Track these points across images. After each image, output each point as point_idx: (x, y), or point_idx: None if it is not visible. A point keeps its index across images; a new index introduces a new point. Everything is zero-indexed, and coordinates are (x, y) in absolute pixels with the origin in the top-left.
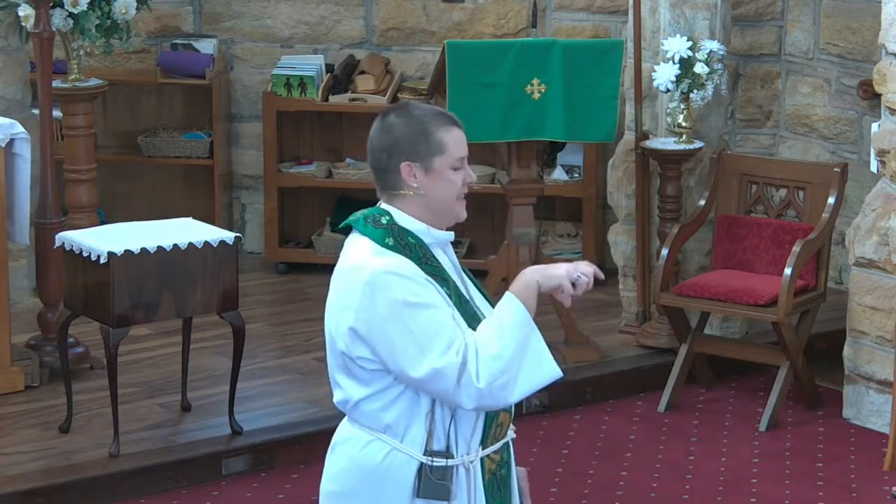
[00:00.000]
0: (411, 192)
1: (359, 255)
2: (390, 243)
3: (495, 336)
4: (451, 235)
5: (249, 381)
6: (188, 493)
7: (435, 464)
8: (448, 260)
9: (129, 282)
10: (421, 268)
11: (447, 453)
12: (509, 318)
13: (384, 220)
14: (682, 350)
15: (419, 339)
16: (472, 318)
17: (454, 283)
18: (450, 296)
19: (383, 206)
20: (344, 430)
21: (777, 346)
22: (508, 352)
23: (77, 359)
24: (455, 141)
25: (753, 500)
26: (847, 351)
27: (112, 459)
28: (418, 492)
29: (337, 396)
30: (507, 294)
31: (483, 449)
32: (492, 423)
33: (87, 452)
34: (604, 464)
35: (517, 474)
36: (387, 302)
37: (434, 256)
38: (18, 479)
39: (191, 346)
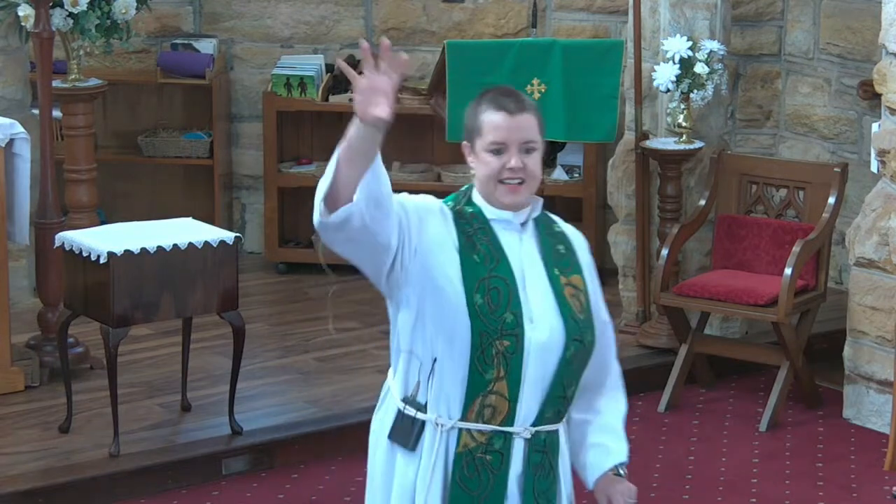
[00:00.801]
0: (471, 171)
1: None
2: (450, 204)
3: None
4: (509, 218)
5: (249, 381)
6: (188, 493)
7: (407, 411)
8: (518, 242)
9: (129, 282)
10: (465, 231)
11: (424, 407)
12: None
13: (463, 189)
14: (682, 350)
15: None
16: (495, 295)
17: (503, 261)
18: (477, 264)
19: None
20: None
21: (777, 346)
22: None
23: (77, 359)
24: (493, 124)
25: (753, 500)
26: (847, 351)
27: (112, 459)
28: (390, 434)
29: None
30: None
31: (461, 421)
32: (475, 396)
33: (87, 452)
34: None
35: (621, 491)
36: None
37: (491, 230)
38: (18, 479)
39: (191, 346)
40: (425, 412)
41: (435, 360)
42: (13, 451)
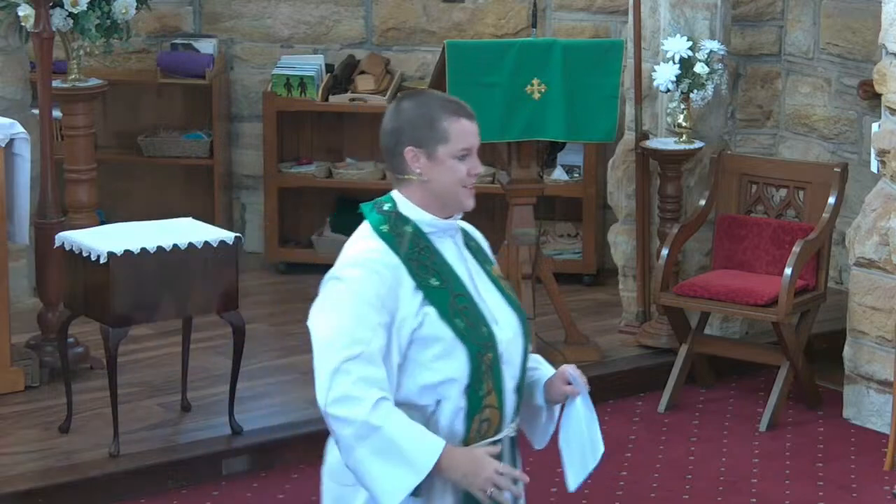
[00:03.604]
0: (415, 178)
1: (353, 240)
2: (384, 230)
3: (405, 420)
4: (452, 224)
5: (249, 381)
6: (188, 493)
7: None
8: (455, 249)
9: (129, 282)
10: (413, 258)
11: None
12: (425, 439)
13: (386, 207)
14: (682, 350)
15: (329, 316)
16: (468, 313)
17: (453, 275)
18: (438, 290)
19: (392, 192)
20: None
21: (777, 346)
22: (394, 433)
23: (77, 359)
24: (460, 131)
25: (753, 500)
26: (847, 351)
27: (112, 459)
28: None
29: None
30: (442, 443)
31: (464, 445)
32: (474, 417)
33: (87, 452)
34: (604, 464)
35: (561, 371)
36: (331, 280)
37: (432, 246)
38: (18, 479)
39: (191, 346)
40: None
41: (439, 401)
42: (13, 451)
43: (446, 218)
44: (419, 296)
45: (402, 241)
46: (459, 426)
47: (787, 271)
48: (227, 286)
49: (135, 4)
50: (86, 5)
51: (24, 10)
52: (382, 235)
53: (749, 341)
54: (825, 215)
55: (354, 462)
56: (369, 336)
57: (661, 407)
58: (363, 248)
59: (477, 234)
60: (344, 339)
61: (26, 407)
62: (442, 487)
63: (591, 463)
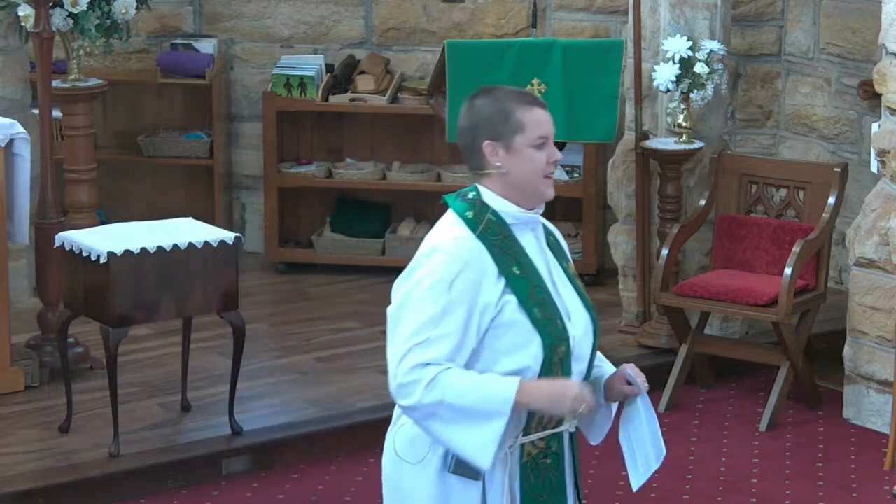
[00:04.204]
0: (495, 171)
1: (438, 227)
2: (469, 216)
3: (464, 382)
4: (534, 217)
5: (249, 381)
6: (188, 493)
7: None
8: (535, 242)
9: (129, 282)
10: (496, 244)
11: None
12: (493, 388)
13: (470, 195)
14: (682, 350)
15: (407, 302)
16: (546, 305)
17: (532, 266)
18: (519, 278)
19: (475, 184)
20: None
21: (777, 346)
22: (454, 401)
23: (77, 359)
24: (535, 120)
25: (753, 500)
26: (847, 351)
27: (112, 459)
28: (452, 467)
29: None
30: (517, 380)
31: (524, 436)
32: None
33: (87, 452)
34: (604, 464)
35: (621, 371)
36: (414, 266)
37: (514, 236)
38: (18, 479)
39: (191, 346)
40: None
41: None
42: (13, 451)
43: (528, 210)
44: (501, 283)
45: (487, 227)
46: (523, 414)
47: (787, 271)
48: (227, 286)
49: (135, 4)
50: (86, 5)
51: (24, 10)
52: (468, 222)
53: (749, 341)
54: (825, 215)
55: (436, 437)
56: (436, 323)
57: (661, 407)
58: (449, 235)
59: (557, 232)
60: (410, 327)
61: (26, 407)
62: (501, 474)
63: (655, 463)
